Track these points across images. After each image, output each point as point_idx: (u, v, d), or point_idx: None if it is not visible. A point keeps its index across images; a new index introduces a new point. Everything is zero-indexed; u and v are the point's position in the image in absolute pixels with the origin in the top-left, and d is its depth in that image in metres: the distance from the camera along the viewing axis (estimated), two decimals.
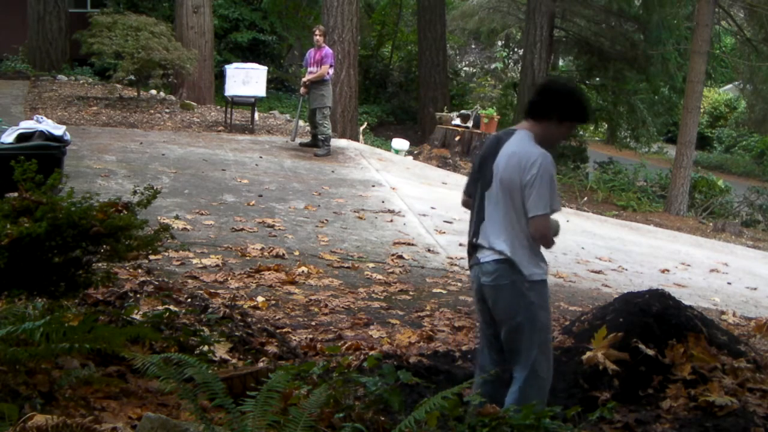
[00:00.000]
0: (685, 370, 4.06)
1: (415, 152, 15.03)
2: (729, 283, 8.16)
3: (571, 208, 13.44)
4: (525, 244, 3.40)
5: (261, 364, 3.62)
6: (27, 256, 3.12)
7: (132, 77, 14.09)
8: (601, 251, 8.80)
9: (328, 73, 11.68)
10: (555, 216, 3.44)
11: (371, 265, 6.80)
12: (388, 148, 15.17)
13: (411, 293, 6.12)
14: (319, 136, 11.87)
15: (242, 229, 7.37)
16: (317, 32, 11.85)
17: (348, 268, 6.63)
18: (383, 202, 9.33)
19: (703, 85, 19.28)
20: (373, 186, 10.24)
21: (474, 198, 3.56)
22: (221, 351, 3.70)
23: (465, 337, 5.05)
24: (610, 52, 20.27)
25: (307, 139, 12.38)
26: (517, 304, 3.41)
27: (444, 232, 8.26)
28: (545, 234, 3.38)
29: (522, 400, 3.29)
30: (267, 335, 4.39)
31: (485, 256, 3.46)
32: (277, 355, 4.05)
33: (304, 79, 11.90)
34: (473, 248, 3.54)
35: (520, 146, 3.39)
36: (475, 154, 3.64)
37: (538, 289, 3.43)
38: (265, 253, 6.65)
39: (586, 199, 16.31)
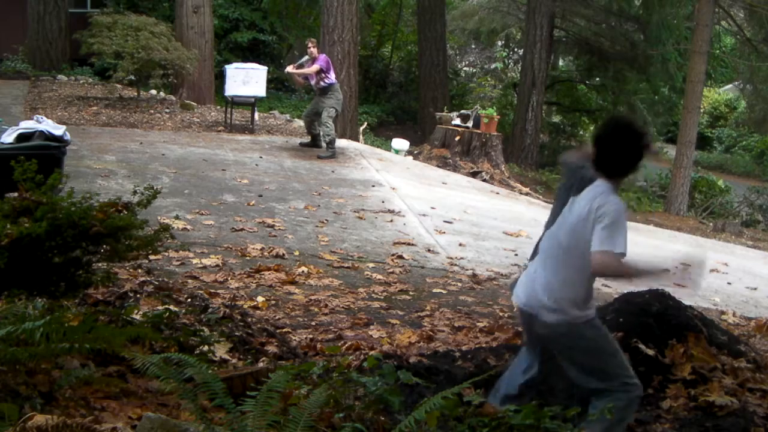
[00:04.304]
0: (685, 370, 4.06)
1: (415, 152, 15.03)
2: (729, 283, 8.16)
3: None
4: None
5: (261, 364, 3.62)
6: (27, 256, 3.12)
7: (132, 77, 14.08)
8: None
9: (325, 77, 11.58)
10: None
11: (371, 265, 6.80)
12: (388, 148, 15.16)
13: (411, 293, 6.12)
14: (324, 139, 11.63)
15: (242, 229, 7.37)
16: (310, 44, 11.78)
17: (348, 268, 6.63)
18: (383, 202, 9.33)
19: (703, 85, 19.29)
20: (373, 186, 10.24)
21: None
22: (221, 351, 3.70)
23: (465, 337, 5.05)
24: (610, 52, 20.28)
25: (307, 139, 12.36)
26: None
27: (444, 232, 8.26)
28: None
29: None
30: (267, 335, 4.39)
31: None
32: (277, 355, 4.05)
33: (291, 68, 11.93)
34: None
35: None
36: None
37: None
38: (265, 253, 6.65)
39: None
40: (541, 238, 3.54)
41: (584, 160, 3.45)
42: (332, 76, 11.72)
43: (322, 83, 11.61)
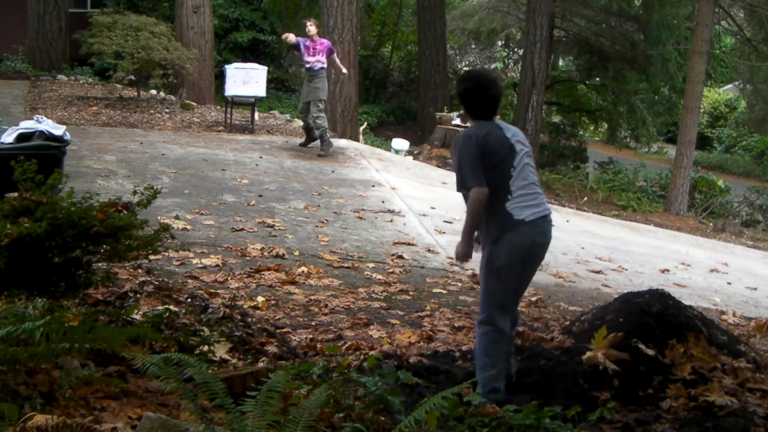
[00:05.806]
0: (685, 370, 4.06)
1: (415, 152, 15.04)
2: (729, 283, 8.16)
3: (571, 207, 13.45)
4: None
5: (261, 364, 3.62)
6: (27, 256, 3.12)
7: (132, 77, 14.08)
8: (601, 251, 8.80)
9: (323, 59, 11.44)
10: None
11: (371, 265, 6.80)
12: (388, 148, 15.17)
13: (411, 293, 6.12)
14: (316, 131, 11.58)
15: (242, 229, 7.37)
16: (309, 23, 11.54)
17: (348, 268, 6.63)
18: (383, 202, 9.33)
19: (703, 85, 19.30)
20: (373, 186, 10.24)
21: (504, 175, 4.02)
22: (221, 351, 3.70)
23: (465, 337, 5.05)
24: (610, 52, 20.27)
25: (303, 139, 12.34)
26: None
27: (444, 232, 8.26)
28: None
29: None
30: (267, 335, 4.39)
31: (546, 210, 4.02)
32: (277, 355, 4.05)
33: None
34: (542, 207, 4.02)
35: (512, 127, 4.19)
36: (479, 148, 4.06)
37: None
38: (265, 253, 6.65)
39: (586, 199, 16.32)
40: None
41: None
42: (325, 60, 11.62)
43: (319, 64, 11.41)
